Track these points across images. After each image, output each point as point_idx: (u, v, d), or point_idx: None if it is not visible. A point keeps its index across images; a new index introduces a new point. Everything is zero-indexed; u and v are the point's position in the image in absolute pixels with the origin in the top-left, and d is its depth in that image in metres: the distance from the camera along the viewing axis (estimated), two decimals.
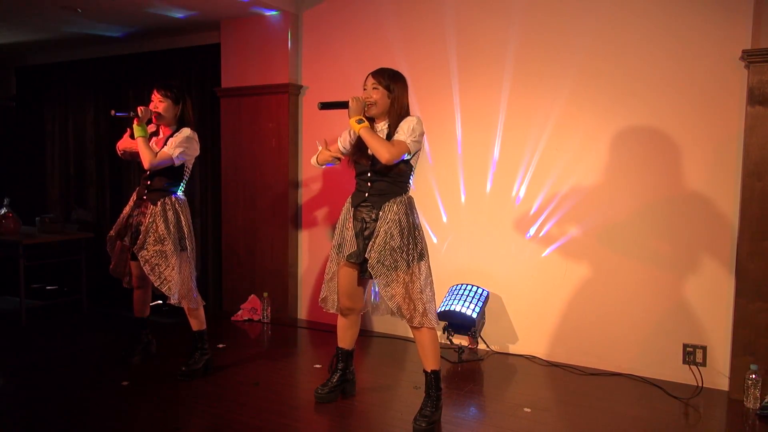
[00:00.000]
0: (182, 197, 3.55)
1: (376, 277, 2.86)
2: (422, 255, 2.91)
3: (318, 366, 3.84)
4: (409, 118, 2.91)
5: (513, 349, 4.13)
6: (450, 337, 4.12)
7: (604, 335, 3.84)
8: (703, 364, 3.55)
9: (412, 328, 2.95)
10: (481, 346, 4.22)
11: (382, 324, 4.58)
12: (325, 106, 2.94)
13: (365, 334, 4.53)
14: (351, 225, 2.99)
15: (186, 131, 3.46)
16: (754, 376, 3.23)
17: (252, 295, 5.00)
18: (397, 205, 2.89)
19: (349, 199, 3.07)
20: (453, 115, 4.26)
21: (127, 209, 3.57)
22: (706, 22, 3.47)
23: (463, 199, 4.27)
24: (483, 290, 4.08)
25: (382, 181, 2.93)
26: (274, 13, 4.77)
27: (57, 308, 5.37)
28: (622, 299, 3.75)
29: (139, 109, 3.38)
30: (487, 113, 4.13)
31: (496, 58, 4.06)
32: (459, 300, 4.01)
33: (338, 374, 3.27)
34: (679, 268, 3.61)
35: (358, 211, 2.98)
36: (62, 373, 3.69)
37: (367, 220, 2.94)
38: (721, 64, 3.44)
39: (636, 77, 3.66)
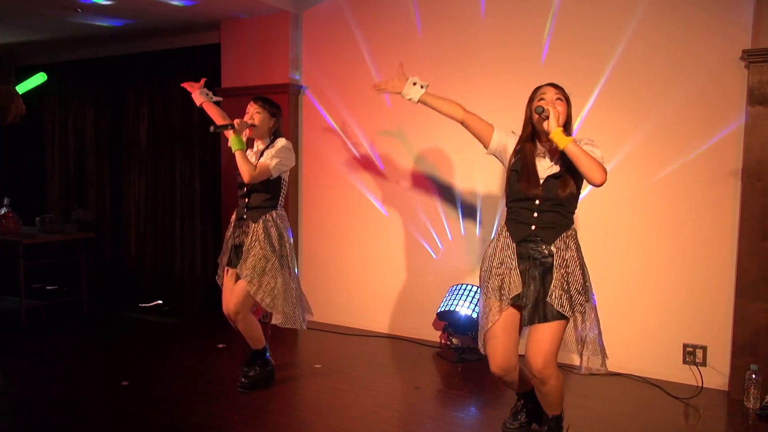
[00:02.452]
0: (282, 212, 3.42)
1: (571, 321, 2.49)
2: (590, 297, 2.55)
3: (318, 366, 3.84)
4: (587, 139, 2.51)
5: None
6: (450, 337, 4.12)
7: (604, 335, 3.81)
8: (703, 364, 3.55)
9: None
10: None
11: (383, 324, 4.58)
12: (538, 111, 2.41)
13: (367, 334, 4.53)
14: (515, 263, 2.52)
15: (282, 141, 3.35)
16: (754, 376, 3.23)
17: None
18: (569, 239, 2.49)
19: (505, 232, 2.58)
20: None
21: (228, 233, 3.45)
22: (706, 22, 3.47)
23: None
24: None
25: (553, 212, 2.48)
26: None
27: (57, 308, 5.37)
28: (622, 299, 3.75)
29: (235, 121, 3.29)
30: (489, 112, 4.12)
31: (497, 57, 4.06)
32: (459, 300, 4.01)
33: (525, 411, 2.79)
34: (679, 268, 3.61)
35: (522, 247, 2.51)
36: (62, 373, 3.69)
37: (538, 257, 2.49)
38: (721, 64, 3.44)
39: (636, 77, 3.66)
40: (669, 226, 3.63)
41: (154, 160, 5.63)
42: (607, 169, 3.69)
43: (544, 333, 2.45)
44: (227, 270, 3.40)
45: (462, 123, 2.68)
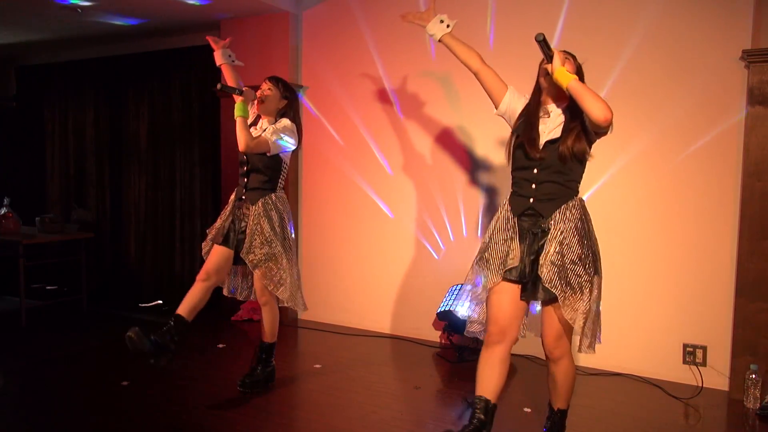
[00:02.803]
0: (282, 195, 3.37)
1: (560, 298, 2.34)
2: (598, 269, 2.42)
3: (318, 366, 3.84)
4: None
5: (513, 349, 4.09)
6: (450, 337, 4.12)
7: (605, 335, 3.80)
8: (703, 364, 3.55)
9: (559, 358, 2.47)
10: None
11: (383, 324, 4.58)
12: (543, 43, 2.29)
13: (367, 334, 4.53)
14: (516, 236, 2.42)
15: (286, 121, 3.29)
16: (754, 376, 3.23)
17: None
18: (570, 211, 2.39)
19: (507, 205, 2.50)
20: (454, 115, 4.26)
21: (225, 212, 3.38)
22: (706, 22, 3.47)
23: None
24: None
25: (551, 182, 2.39)
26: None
27: (57, 308, 5.37)
28: (622, 299, 3.75)
29: (244, 88, 3.25)
30: (489, 113, 4.12)
31: (497, 55, 4.05)
32: (459, 300, 4.01)
33: None
34: (679, 268, 3.61)
35: (521, 222, 2.43)
36: (62, 373, 3.69)
37: (536, 231, 2.40)
38: (721, 64, 3.44)
39: (636, 77, 3.66)
40: (669, 226, 3.63)
41: (154, 160, 5.62)
42: (610, 171, 3.76)
43: (556, 317, 2.39)
44: (217, 246, 3.32)
45: (476, 74, 2.56)
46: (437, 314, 4.11)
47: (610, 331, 3.80)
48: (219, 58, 3.48)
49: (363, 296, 4.69)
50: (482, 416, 2.37)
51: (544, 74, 2.38)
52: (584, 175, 3.82)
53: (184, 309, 3.23)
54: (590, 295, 2.36)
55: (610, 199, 3.77)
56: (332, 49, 4.73)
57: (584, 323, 2.36)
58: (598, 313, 2.43)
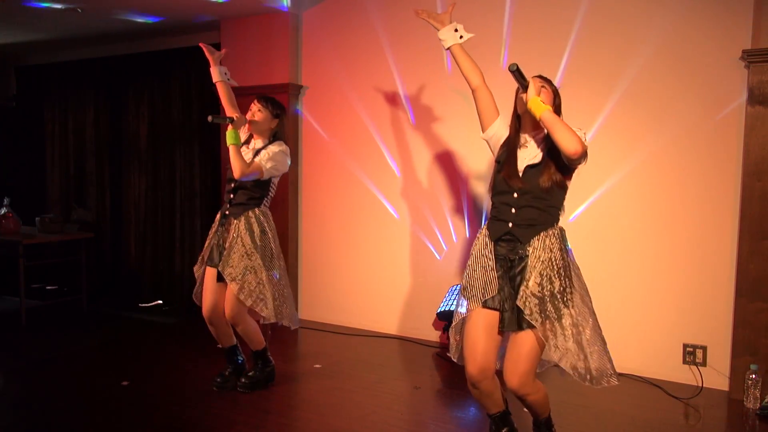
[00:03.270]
0: (266, 210, 3.37)
1: (539, 331, 2.28)
2: (584, 299, 2.37)
3: (318, 366, 3.84)
4: (576, 127, 2.29)
5: None
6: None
7: (604, 335, 3.82)
8: (703, 364, 3.55)
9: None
10: None
11: (383, 324, 4.58)
12: (517, 72, 2.27)
13: (366, 334, 4.53)
14: (492, 263, 2.38)
15: (281, 145, 3.33)
16: (754, 376, 3.23)
17: None
18: (550, 239, 2.32)
19: (484, 230, 2.46)
20: (452, 117, 4.26)
21: (212, 231, 3.41)
22: (706, 22, 3.47)
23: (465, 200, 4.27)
24: None
25: (531, 207, 2.33)
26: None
27: (57, 308, 5.37)
28: (622, 299, 3.75)
29: (235, 115, 3.30)
30: None
31: (496, 53, 4.06)
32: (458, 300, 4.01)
33: None
34: (679, 268, 3.61)
35: (499, 247, 2.39)
36: (62, 373, 3.69)
37: (512, 258, 2.36)
38: (721, 64, 3.44)
39: (636, 77, 3.66)
40: (669, 226, 3.63)
41: (154, 160, 5.62)
42: (615, 173, 3.75)
43: (520, 351, 2.32)
44: (207, 269, 3.36)
45: (474, 91, 2.52)
46: (437, 314, 4.11)
47: (610, 331, 3.80)
48: (215, 75, 3.52)
49: (363, 296, 4.69)
50: (507, 427, 2.54)
51: (521, 103, 2.36)
52: (588, 177, 3.84)
53: (226, 341, 3.48)
54: (577, 331, 2.29)
55: (609, 199, 3.77)
56: (333, 49, 4.72)
57: (580, 361, 2.30)
58: (593, 342, 2.35)
